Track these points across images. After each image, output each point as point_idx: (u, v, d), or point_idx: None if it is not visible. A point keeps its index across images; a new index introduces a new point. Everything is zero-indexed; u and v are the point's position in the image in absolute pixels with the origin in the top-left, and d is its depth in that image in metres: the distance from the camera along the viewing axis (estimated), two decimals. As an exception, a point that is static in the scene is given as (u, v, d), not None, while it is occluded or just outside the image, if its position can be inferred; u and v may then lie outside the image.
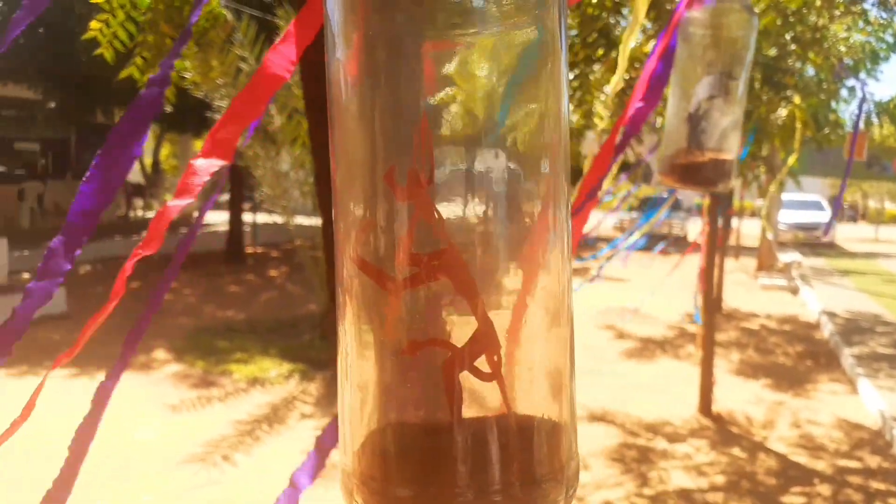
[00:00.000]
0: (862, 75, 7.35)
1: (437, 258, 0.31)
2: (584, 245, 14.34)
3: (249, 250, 13.35)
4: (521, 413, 0.33)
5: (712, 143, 1.13)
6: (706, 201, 6.30)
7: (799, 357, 7.06)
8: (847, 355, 6.74)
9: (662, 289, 9.08)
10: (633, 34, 1.08)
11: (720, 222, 10.17)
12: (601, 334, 7.83)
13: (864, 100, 6.33)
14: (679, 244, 15.73)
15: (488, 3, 0.32)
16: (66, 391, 5.28)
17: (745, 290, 11.08)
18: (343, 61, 0.33)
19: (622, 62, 1.15)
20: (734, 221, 15.72)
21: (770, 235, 12.44)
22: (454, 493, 0.31)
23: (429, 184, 0.31)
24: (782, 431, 4.97)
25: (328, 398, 5.32)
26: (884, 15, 6.77)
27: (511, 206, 0.32)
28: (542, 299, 0.33)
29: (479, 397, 0.32)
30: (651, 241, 12.89)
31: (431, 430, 0.32)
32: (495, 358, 0.32)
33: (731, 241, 15.66)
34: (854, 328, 8.10)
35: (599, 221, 7.80)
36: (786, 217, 17.55)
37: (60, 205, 13.92)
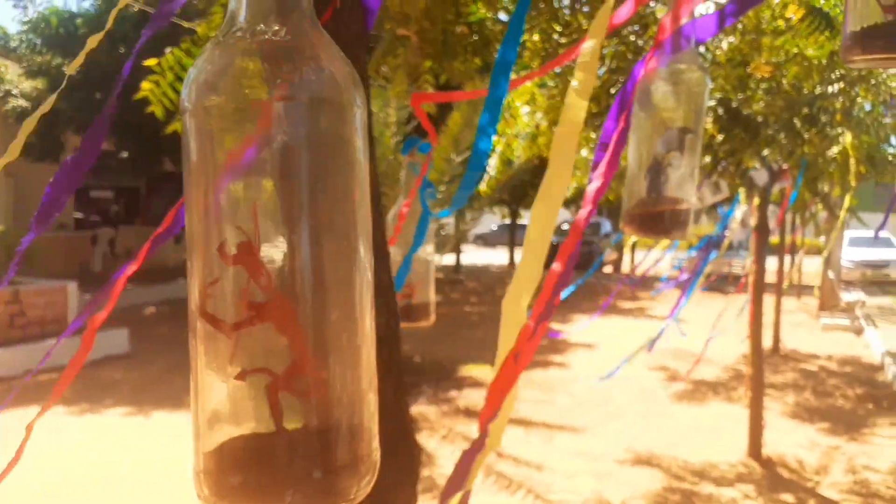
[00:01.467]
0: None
1: (259, 308, 0.42)
2: (642, 285, 14.17)
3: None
4: (328, 419, 0.43)
5: (670, 193, 1.21)
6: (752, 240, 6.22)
7: (859, 400, 6.81)
8: (911, 399, 6.47)
9: (719, 329, 8.90)
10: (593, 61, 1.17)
11: (774, 261, 9.95)
12: (653, 375, 7.72)
13: (915, 136, 6.18)
14: (737, 283, 15.36)
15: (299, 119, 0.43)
16: (123, 427, 5.53)
17: (805, 330, 10.74)
18: (186, 147, 0.44)
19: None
20: (794, 259, 15.27)
21: (832, 274, 12.06)
22: (274, 480, 0.41)
23: (258, 251, 0.42)
24: (836, 477, 4.80)
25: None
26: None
27: (319, 263, 0.43)
28: (343, 329, 0.44)
29: (296, 410, 0.42)
30: (711, 281, 12.67)
31: (259, 435, 0.43)
32: (308, 379, 0.42)
33: (794, 279, 15.22)
34: (921, 370, 7.77)
35: (657, 260, 7.77)
36: (852, 254, 16.97)
37: (131, 249, 14.64)
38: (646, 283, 14.10)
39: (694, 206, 1.23)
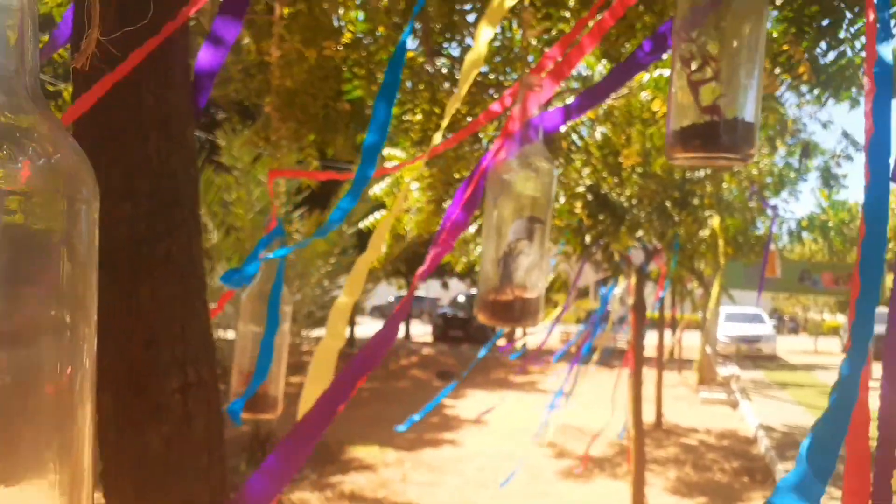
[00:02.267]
0: (776, 198, 7.80)
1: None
2: (532, 358, 14.37)
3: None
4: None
5: (519, 282, 1.21)
6: (631, 314, 6.44)
7: (735, 473, 7.05)
8: (781, 471, 6.76)
9: (605, 403, 9.09)
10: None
11: (652, 336, 10.35)
12: (542, 452, 7.73)
13: (774, 221, 6.70)
14: (623, 357, 15.87)
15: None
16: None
17: (686, 404, 11.14)
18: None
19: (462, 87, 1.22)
20: (675, 334, 15.97)
21: (708, 349, 12.66)
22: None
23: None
24: (712, 552, 4.90)
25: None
26: (790, 142, 7.27)
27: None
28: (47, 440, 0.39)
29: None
30: (598, 354, 12.99)
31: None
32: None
33: (675, 354, 15.87)
34: (790, 442, 8.16)
35: (548, 334, 7.89)
36: (727, 330, 17.94)
37: None
38: (537, 356, 14.31)
39: (542, 294, 1.23)
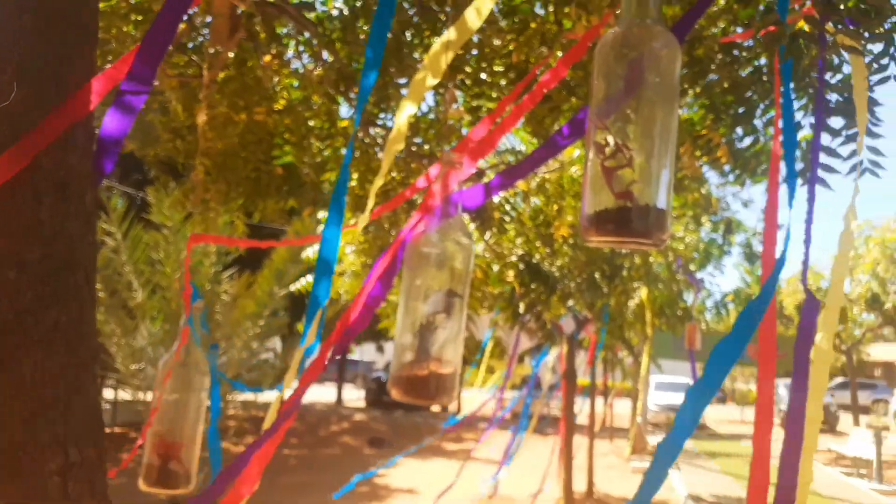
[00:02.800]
0: (702, 272, 8.06)
1: None
2: (466, 424, 14.19)
3: (106, 430, 12.35)
4: None
5: (435, 356, 1.18)
6: (562, 382, 6.47)
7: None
8: (708, 543, 6.77)
9: (536, 471, 8.99)
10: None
11: (585, 404, 10.40)
12: (471, 523, 7.55)
13: (698, 293, 6.91)
14: (556, 425, 15.86)
15: None
16: None
17: (618, 473, 11.13)
18: None
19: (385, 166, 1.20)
20: (606, 402, 16.07)
21: (639, 418, 12.77)
22: None
23: None
24: None
25: None
26: (714, 219, 7.57)
27: None
28: None
29: None
30: (533, 422, 12.94)
31: None
32: None
33: (607, 422, 15.94)
34: (717, 513, 8.21)
35: (484, 402, 7.81)
36: (658, 399, 18.18)
37: None
38: (472, 423, 14.15)
39: (458, 370, 1.21)
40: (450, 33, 1.26)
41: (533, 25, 1.76)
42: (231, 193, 3.38)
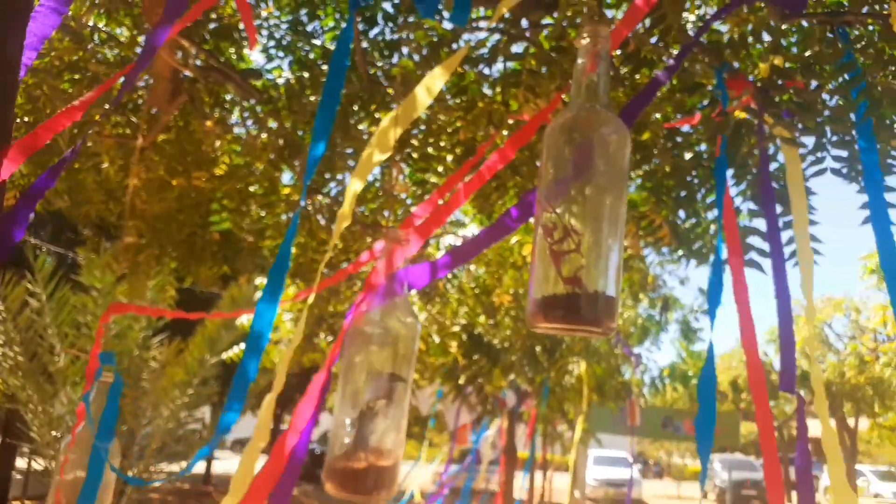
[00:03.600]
0: (639, 347, 8.16)
1: None
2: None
3: (16, 503, 11.51)
4: None
5: (374, 447, 1.11)
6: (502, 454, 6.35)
7: None
8: None
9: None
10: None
11: (524, 478, 10.23)
12: None
13: (637, 368, 6.96)
14: (493, 499, 15.53)
15: None
16: None
17: (555, 551, 10.90)
18: None
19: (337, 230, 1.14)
20: (545, 476, 15.88)
21: (577, 493, 12.62)
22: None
23: None
24: None
25: None
26: (652, 295, 7.71)
27: None
28: None
29: None
30: (471, 496, 12.64)
31: None
32: None
33: (545, 496, 15.71)
34: None
35: (421, 477, 7.58)
36: (596, 473, 18.07)
37: None
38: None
39: (399, 462, 1.14)
40: (399, 110, 1.24)
41: (481, 105, 1.78)
42: (164, 258, 3.26)
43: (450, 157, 2.02)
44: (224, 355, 7.40)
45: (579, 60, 1.02)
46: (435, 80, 1.25)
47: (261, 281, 5.07)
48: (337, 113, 2.42)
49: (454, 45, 1.83)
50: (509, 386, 5.60)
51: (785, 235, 1.52)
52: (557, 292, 0.94)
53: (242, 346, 7.00)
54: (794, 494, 18.86)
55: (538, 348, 5.24)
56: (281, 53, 2.42)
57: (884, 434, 18.06)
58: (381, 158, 1.22)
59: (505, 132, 1.74)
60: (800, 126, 1.46)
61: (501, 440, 6.34)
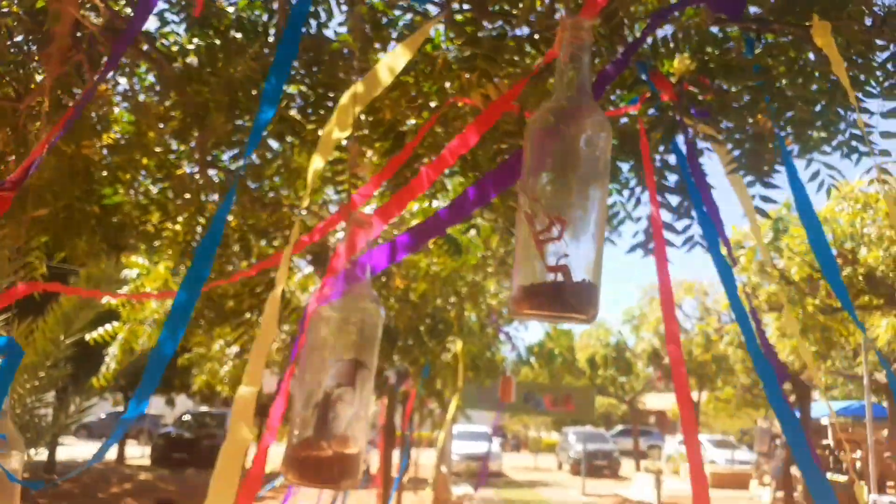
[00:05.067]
0: (508, 326, 8.41)
1: None
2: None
3: None
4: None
5: (338, 435, 1.08)
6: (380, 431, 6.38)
7: None
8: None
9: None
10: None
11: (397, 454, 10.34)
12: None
13: (513, 347, 7.20)
14: (366, 478, 15.56)
15: None
16: None
17: (423, 525, 11.12)
18: None
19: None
20: (412, 453, 16.12)
21: (444, 468, 12.91)
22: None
23: None
24: None
25: None
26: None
27: None
28: None
29: None
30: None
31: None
32: None
33: (412, 473, 15.94)
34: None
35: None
36: (458, 448, 18.55)
37: None
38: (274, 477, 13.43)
39: (364, 450, 1.11)
40: (357, 86, 1.20)
41: (409, 82, 1.76)
42: (31, 231, 2.98)
43: (373, 135, 1.98)
44: (84, 336, 6.89)
45: (561, 53, 1.03)
46: (397, 59, 1.22)
47: (135, 260, 4.77)
48: (245, 84, 2.30)
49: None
50: (391, 366, 5.62)
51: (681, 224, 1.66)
52: (542, 280, 0.95)
53: (107, 326, 6.54)
54: (641, 463, 20.28)
55: (422, 328, 5.28)
56: (176, 18, 2.26)
57: (720, 406, 19.84)
58: (340, 136, 1.18)
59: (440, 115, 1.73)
60: (724, 125, 1.56)
61: (380, 419, 6.35)
